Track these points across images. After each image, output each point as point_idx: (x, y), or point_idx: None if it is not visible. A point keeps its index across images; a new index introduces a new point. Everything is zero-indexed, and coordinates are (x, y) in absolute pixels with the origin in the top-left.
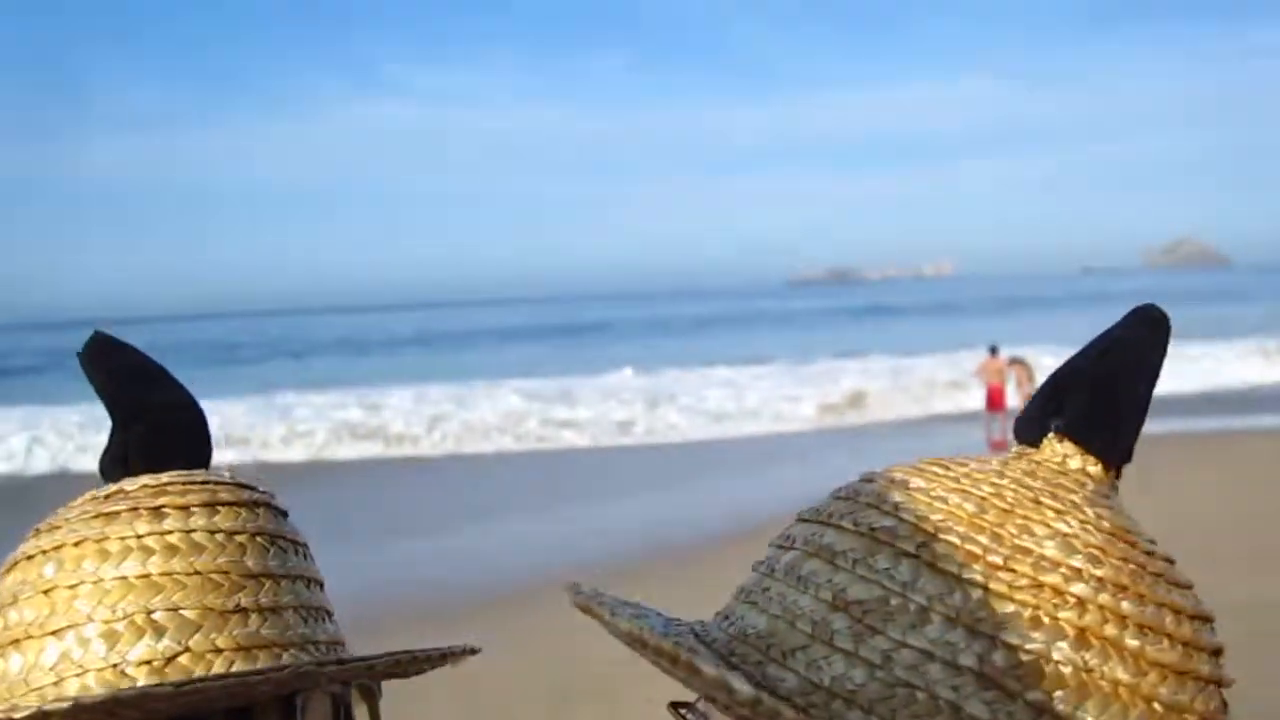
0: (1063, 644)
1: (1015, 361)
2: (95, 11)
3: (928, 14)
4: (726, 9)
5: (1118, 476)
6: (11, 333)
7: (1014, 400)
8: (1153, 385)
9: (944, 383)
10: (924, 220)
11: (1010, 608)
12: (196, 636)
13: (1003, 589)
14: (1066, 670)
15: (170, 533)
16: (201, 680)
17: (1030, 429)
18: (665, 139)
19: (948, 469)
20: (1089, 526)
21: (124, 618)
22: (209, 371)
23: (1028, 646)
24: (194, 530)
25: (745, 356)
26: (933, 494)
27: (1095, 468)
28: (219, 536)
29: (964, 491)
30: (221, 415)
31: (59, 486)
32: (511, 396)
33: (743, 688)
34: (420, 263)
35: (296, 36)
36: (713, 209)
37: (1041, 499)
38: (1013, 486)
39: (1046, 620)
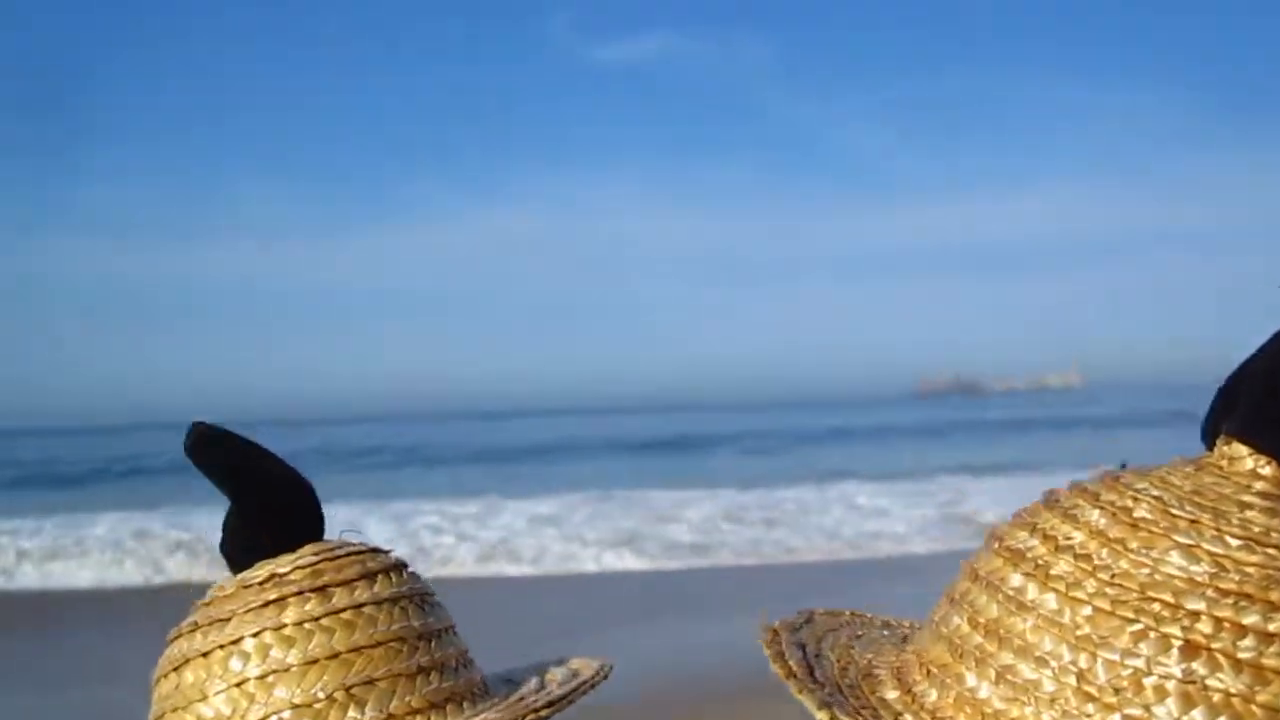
0: (1165, 657)
1: None
2: (239, 121)
3: (1053, 117)
4: (849, 117)
5: None
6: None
7: None
8: None
9: None
10: (1049, 328)
11: (1112, 621)
12: (395, 702)
13: (1105, 603)
14: (1170, 683)
15: (343, 610)
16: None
17: (1206, 433)
18: (791, 247)
19: (1113, 487)
20: (1227, 533)
21: (325, 699)
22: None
23: (1127, 661)
24: (363, 604)
25: (870, 473)
26: (1078, 511)
27: (1268, 468)
28: (385, 605)
29: (1101, 502)
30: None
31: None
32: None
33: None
34: (541, 369)
35: (417, 147)
36: (838, 318)
37: (1174, 507)
38: (1155, 495)
39: (1152, 634)
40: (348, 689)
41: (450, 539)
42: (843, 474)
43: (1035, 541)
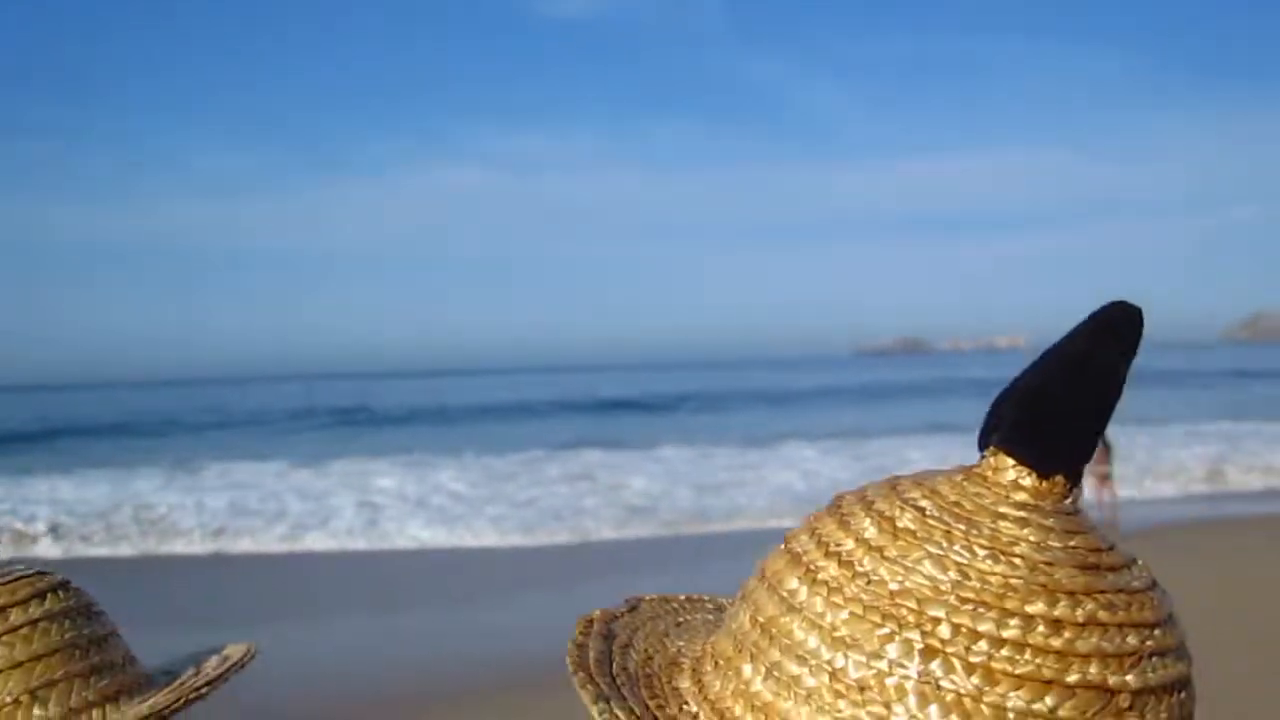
0: (906, 659)
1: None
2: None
3: (1007, 81)
4: (798, 75)
5: (1072, 484)
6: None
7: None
8: (1103, 387)
9: None
10: (995, 292)
11: (864, 626)
12: (74, 698)
13: (858, 608)
14: (908, 683)
15: (21, 627)
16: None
17: (980, 444)
18: (733, 205)
19: (890, 496)
20: (975, 543)
21: (13, 701)
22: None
23: (873, 663)
24: (38, 620)
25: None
26: (852, 519)
27: (1029, 479)
28: (57, 618)
29: (874, 512)
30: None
31: None
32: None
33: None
34: (483, 327)
35: (368, 104)
36: (781, 276)
37: (932, 518)
38: (918, 510)
39: (897, 638)
40: (32, 691)
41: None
42: (789, 435)
43: (811, 546)
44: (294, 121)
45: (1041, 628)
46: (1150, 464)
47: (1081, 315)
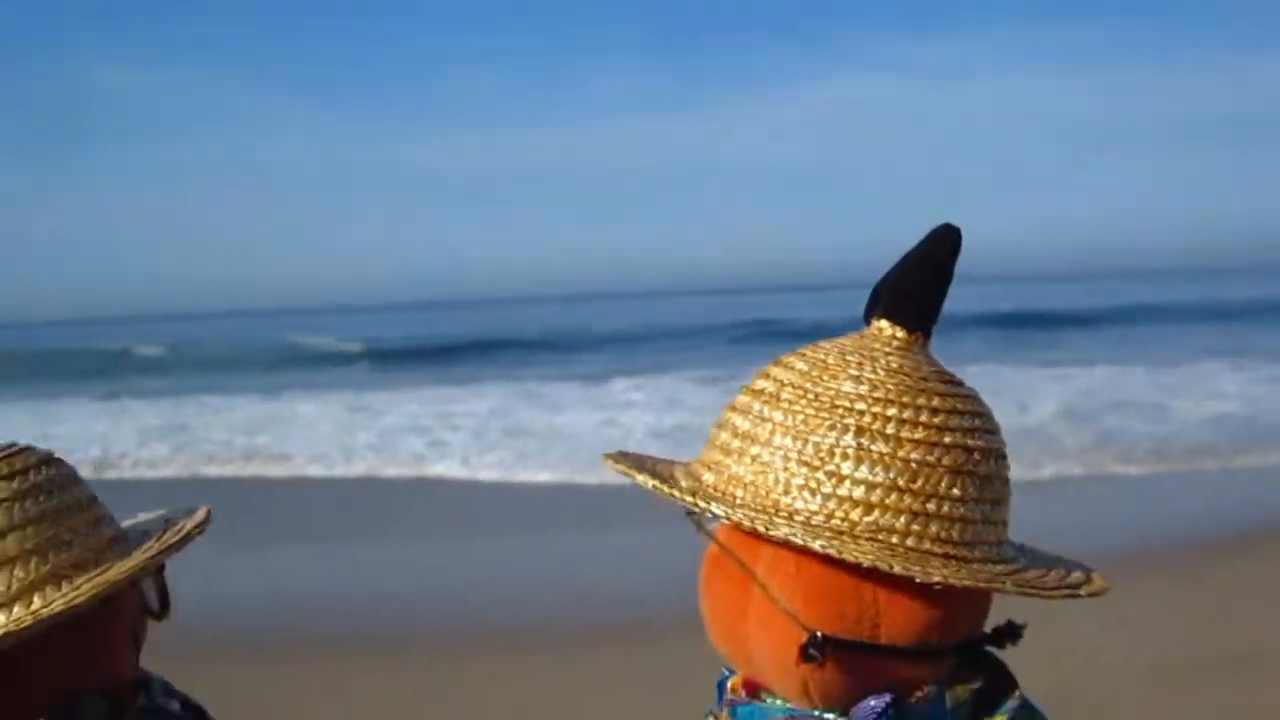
0: (847, 436)
1: None
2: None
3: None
4: None
5: (927, 336)
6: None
7: None
8: (937, 274)
9: None
10: None
11: (815, 421)
12: (78, 549)
13: (811, 411)
14: (850, 450)
15: (24, 492)
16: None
17: (865, 318)
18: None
19: (813, 350)
20: (877, 367)
21: (30, 549)
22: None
23: (825, 441)
24: (30, 489)
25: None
26: (791, 362)
27: (901, 333)
28: (44, 484)
29: (805, 358)
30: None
31: None
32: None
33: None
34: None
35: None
36: None
37: (848, 356)
38: (837, 351)
39: (838, 425)
40: (44, 542)
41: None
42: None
43: (766, 384)
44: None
45: (925, 413)
46: None
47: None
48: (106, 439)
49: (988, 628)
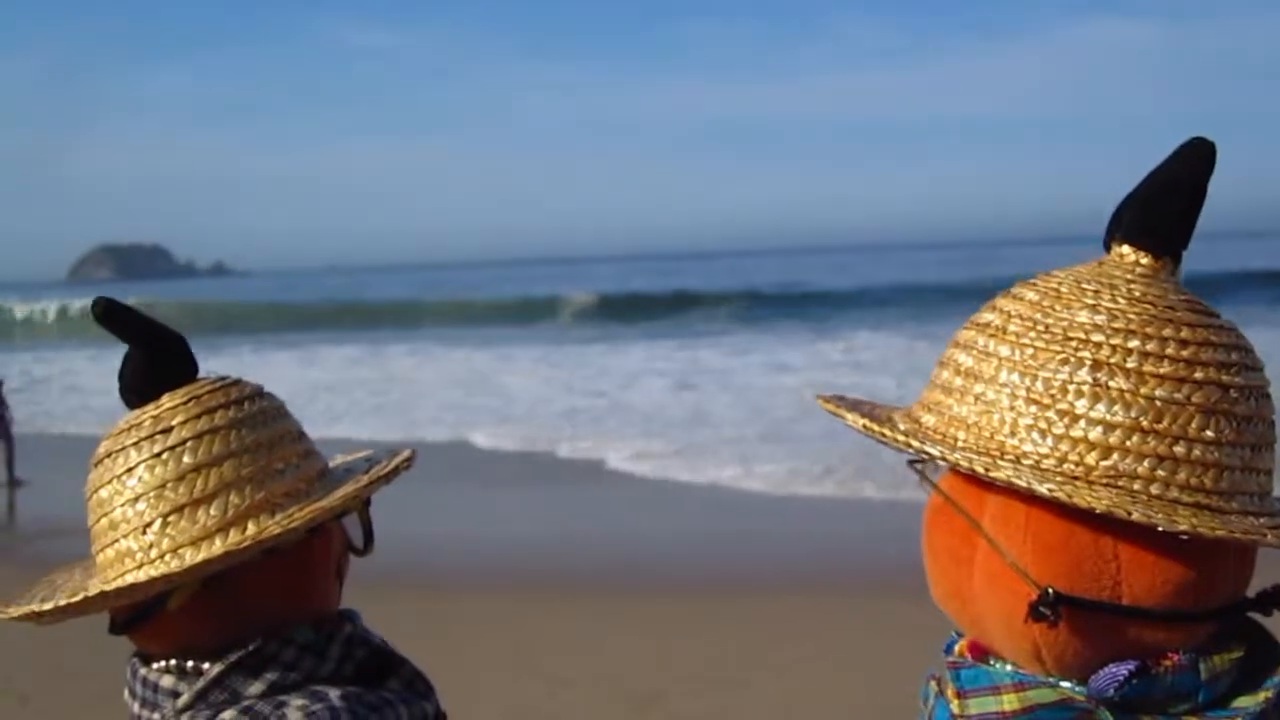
0: (1082, 371)
1: None
2: None
3: None
4: None
5: (1176, 263)
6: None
7: None
8: (1193, 194)
9: None
10: None
11: (1046, 355)
12: (289, 477)
13: (1041, 344)
14: (1085, 386)
15: (229, 424)
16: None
17: (1105, 243)
18: None
19: (1045, 278)
20: (1118, 295)
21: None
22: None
23: (1057, 377)
24: (241, 420)
25: None
26: (1021, 293)
27: (1146, 259)
28: (258, 415)
29: (1036, 287)
30: None
31: None
32: None
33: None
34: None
35: None
36: None
37: (1084, 284)
38: (1072, 279)
39: (1071, 359)
40: (259, 470)
41: None
42: None
43: (993, 316)
44: None
45: (1172, 345)
46: None
47: None
48: None
49: (1252, 591)
